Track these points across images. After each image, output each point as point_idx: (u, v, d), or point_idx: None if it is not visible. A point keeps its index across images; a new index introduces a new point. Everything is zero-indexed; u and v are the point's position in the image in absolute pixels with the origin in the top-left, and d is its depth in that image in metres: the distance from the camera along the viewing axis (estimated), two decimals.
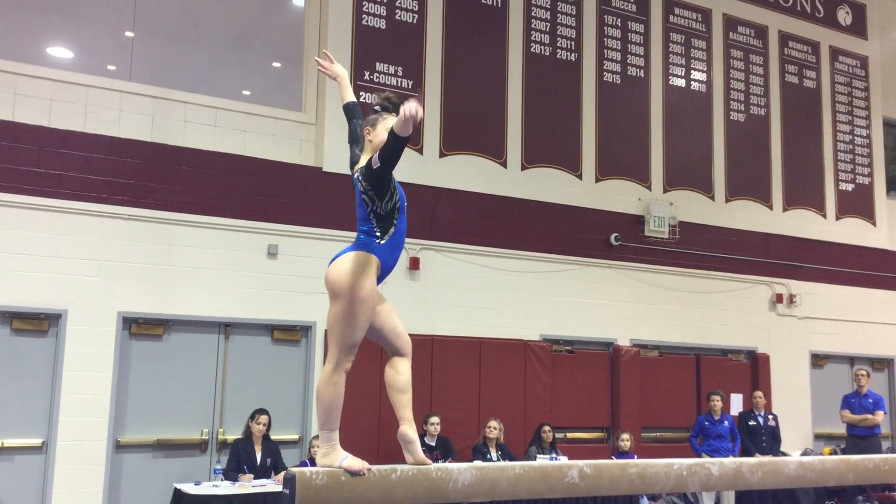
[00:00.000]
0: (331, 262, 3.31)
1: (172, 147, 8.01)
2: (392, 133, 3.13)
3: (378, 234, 3.32)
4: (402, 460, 3.35)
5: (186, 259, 7.92)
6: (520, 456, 8.51)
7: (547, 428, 8.70)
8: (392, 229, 3.34)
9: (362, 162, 3.42)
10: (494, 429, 8.35)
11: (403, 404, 3.36)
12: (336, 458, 3.14)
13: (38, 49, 8.07)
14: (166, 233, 7.86)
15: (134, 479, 7.60)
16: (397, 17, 9.11)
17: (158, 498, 7.43)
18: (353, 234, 3.41)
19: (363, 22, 8.90)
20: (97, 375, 7.43)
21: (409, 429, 3.32)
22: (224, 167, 8.20)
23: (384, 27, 9.02)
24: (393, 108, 3.45)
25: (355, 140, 3.58)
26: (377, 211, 3.31)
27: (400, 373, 3.41)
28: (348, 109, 3.68)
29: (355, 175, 3.41)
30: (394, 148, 3.14)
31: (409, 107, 3.01)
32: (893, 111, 12.92)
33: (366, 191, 3.29)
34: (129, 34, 8.41)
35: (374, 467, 3.18)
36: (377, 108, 3.51)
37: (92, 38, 8.41)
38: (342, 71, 3.77)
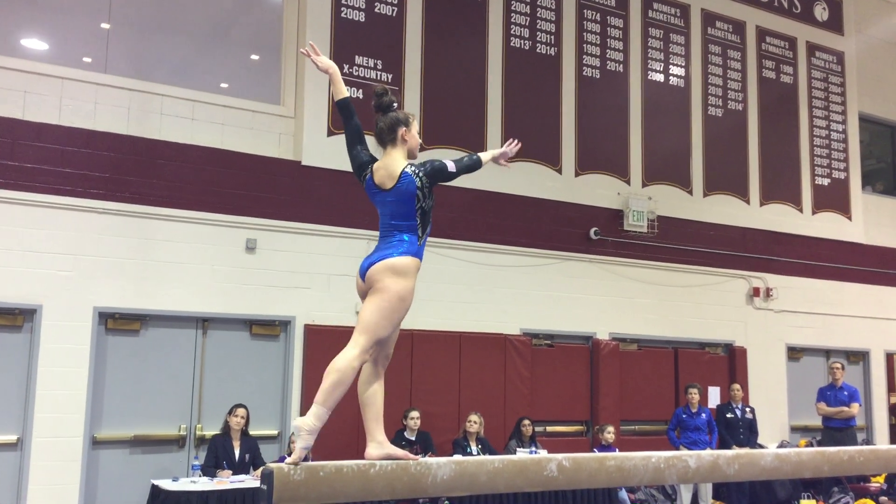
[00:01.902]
0: (375, 261, 3.37)
1: (149, 140, 7.94)
2: (479, 161, 3.62)
3: (420, 231, 3.46)
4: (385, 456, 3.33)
5: (163, 253, 7.85)
6: (500, 450, 8.53)
7: (527, 422, 8.73)
8: (428, 227, 3.52)
9: (398, 157, 3.51)
10: (475, 423, 8.37)
11: (370, 418, 3.42)
12: (308, 438, 3.13)
13: (12, 40, 7.95)
14: (143, 227, 7.79)
15: (111, 475, 7.53)
16: (377, 9, 9.07)
17: (136, 494, 7.37)
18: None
19: (342, 14, 8.85)
20: (73, 371, 7.35)
21: (374, 450, 3.33)
22: (201, 161, 8.13)
23: (363, 20, 8.98)
24: (387, 108, 3.62)
25: (359, 140, 3.62)
26: (424, 208, 3.46)
27: (368, 383, 3.46)
28: (344, 106, 3.65)
29: (374, 173, 3.50)
30: (471, 168, 3.60)
31: (509, 152, 3.85)
32: (869, 106, 13.05)
33: (423, 186, 3.43)
34: (105, 26, 8.31)
35: (354, 462, 3.17)
36: (384, 103, 3.62)
37: (67, 30, 8.30)
38: (332, 64, 3.77)
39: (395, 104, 3.64)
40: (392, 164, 3.50)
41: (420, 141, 3.67)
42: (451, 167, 3.50)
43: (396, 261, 3.37)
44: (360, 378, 3.45)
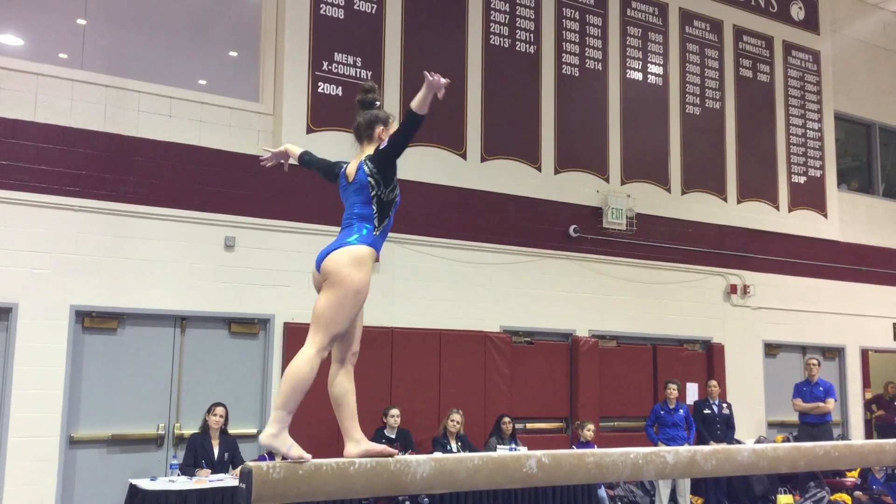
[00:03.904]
0: (329, 251, 3.33)
1: (126, 137, 7.87)
2: (410, 113, 3.25)
3: (376, 221, 3.40)
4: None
5: (141, 251, 7.79)
6: (480, 447, 8.55)
7: (507, 419, 8.75)
8: (387, 221, 3.46)
9: (369, 152, 3.49)
10: (456, 423, 8.36)
11: (344, 417, 3.37)
12: (284, 442, 3.13)
13: None
14: (120, 224, 7.72)
15: (88, 475, 7.47)
16: (356, 6, 9.05)
17: (113, 494, 7.32)
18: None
19: (321, 11, 8.82)
20: (49, 370, 7.28)
21: (352, 448, 3.30)
22: (179, 158, 8.08)
23: (342, 17, 8.94)
24: (369, 104, 3.60)
25: (331, 168, 3.66)
26: (381, 196, 3.41)
27: (338, 384, 3.41)
28: (306, 162, 3.81)
29: (348, 166, 3.51)
30: (411, 126, 3.28)
31: (435, 80, 3.19)
32: (844, 105, 13.19)
33: (372, 173, 3.39)
34: (82, 21, 8.22)
35: (333, 460, 3.16)
36: (368, 100, 3.60)
37: (43, 25, 8.21)
38: (283, 149, 3.92)
39: (378, 104, 3.65)
40: (361, 156, 3.52)
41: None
42: (385, 143, 3.40)
43: (351, 249, 3.32)
44: (329, 379, 3.41)
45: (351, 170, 3.50)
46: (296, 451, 3.10)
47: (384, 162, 3.39)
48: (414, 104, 3.26)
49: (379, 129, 3.55)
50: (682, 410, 9.52)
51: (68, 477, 7.34)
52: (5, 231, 7.24)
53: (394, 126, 3.56)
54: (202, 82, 8.81)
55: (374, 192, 3.40)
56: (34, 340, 7.25)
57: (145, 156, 7.92)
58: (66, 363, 7.37)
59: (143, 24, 8.63)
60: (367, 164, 3.42)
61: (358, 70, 8.95)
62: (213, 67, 9.10)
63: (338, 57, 8.84)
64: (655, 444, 9.14)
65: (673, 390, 9.49)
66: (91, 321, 7.61)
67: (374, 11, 9.16)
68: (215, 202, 8.17)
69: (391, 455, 3.26)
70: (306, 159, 3.82)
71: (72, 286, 7.46)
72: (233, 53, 9.40)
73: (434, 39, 9.55)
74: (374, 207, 3.41)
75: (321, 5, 8.80)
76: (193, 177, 8.11)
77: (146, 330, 7.88)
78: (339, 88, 8.76)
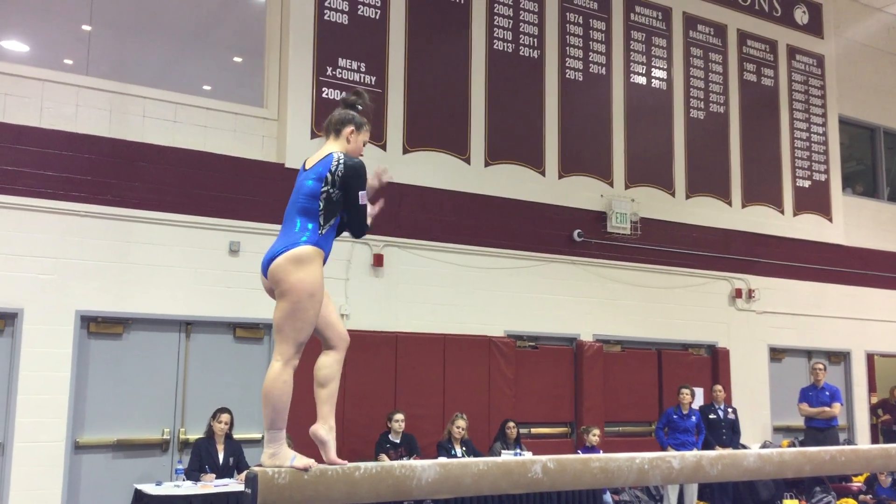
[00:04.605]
0: (273, 256, 3.23)
1: (131, 143, 7.89)
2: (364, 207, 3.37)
3: (321, 219, 3.27)
4: (368, 458, 3.33)
5: (146, 256, 7.81)
6: (484, 452, 8.54)
7: (511, 424, 8.74)
8: (333, 220, 3.32)
9: (335, 148, 3.40)
10: (461, 428, 8.34)
11: (322, 399, 3.26)
12: (285, 457, 3.11)
13: None
14: (125, 230, 7.74)
15: (93, 480, 7.47)
16: (360, 12, 9.07)
17: (118, 499, 7.32)
18: None
19: (325, 17, 8.84)
20: (55, 375, 7.29)
21: (319, 428, 3.23)
22: (184, 163, 8.10)
23: (346, 22, 8.97)
24: (350, 105, 3.53)
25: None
26: (331, 195, 3.29)
27: (322, 367, 3.31)
28: None
29: (311, 166, 3.38)
30: (359, 218, 3.39)
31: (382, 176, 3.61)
32: (849, 109, 13.17)
33: (335, 171, 3.28)
34: (87, 27, 8.25)
35: (337, 465, 3.16)
36: (351, 101, 3.54)
37: (48, 32, 8.24)
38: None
39: (360, 108, 3.55)
40: (325, 149, 3.41)
41: (363, 153, 3.50)
42: (363, 198, 3.35)
43: (296, 252, 3.19)
44: (317, 363, 3.32)
45: (312, 159, 3.38)
46: (299, 461, 3.09)
47: (351, 176, 3.30)
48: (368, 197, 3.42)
49: (349, 129, 3.45)
50: (694, 417, 9.48)
51: (73, 482, 7.35)
52: (11, 236, 7.26)
53: (364, 134, 3.48)
54: (207, 88, 8.83)
55: (326, 188, 3.27)
56: (40, 345, 7.26)
57: (150, 161, 7.94)
58: (71, 368, 7.38)
59: (148, 30, 8.66)
60: (339, 163, 3.30)
61: (362, 75, 8.96)
62: (217, 73, 9.12)
63: (342, 62, 8.86)
64: (665, 448, 9.13)
65: (686, 395, 9.45)
66: (96, 326, 7.63)
67: (377, 17, 9.17)
68: (220, 207, 8.18)
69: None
70: None
71: (77, 291, 7.48)
72: (237, 59, 9.42)
73: (438, 44, 9.56)
74: (321, 203, 3.27)
75: (325, 11, 8.83)
76: (198, 182, 8.13)
77: (151, 335, 7.90)
78: (344, 94, 8.77)
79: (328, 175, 3.28)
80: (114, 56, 8.33)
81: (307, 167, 3.39)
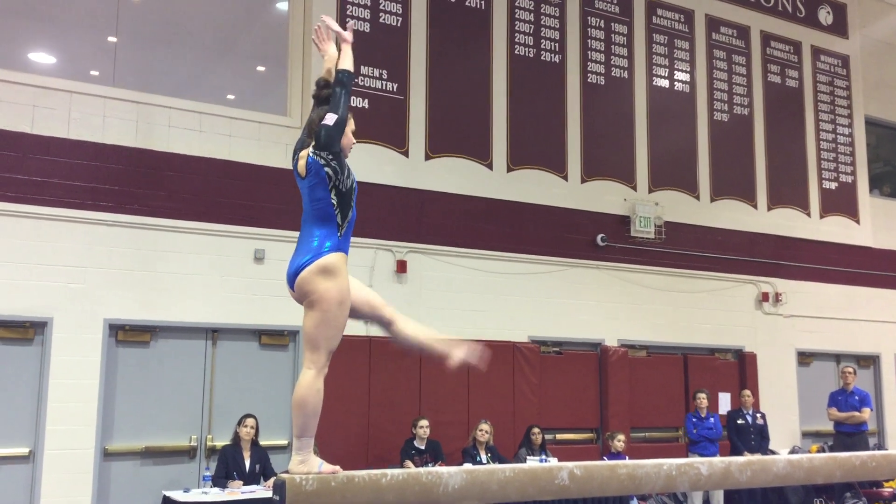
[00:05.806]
0: (298, 269, 3.24)
1: (157, 153, 7.97)
2: (347, 73, 3.34)
3: (338, 218, 3.28)
4: (394, 464, 3.34)
5: (172, 265, 7.88)
6: (509, 458, 8.51)
7: (536, 430, 8.71)
8: (350, 213, 3.33)
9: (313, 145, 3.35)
10: (486, 432, 8.34)
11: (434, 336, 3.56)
12: (314, 465, 3.12)
13: (20, 55, 8.02)
14: (152, 239, 7.82)
15: (122, 486, 7.54)
16: (381, 19, 9.11)
17: None
18: None
19: (347, 25, 8.86)
20: (84, 383, 7.38)
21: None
22: (209, 172, 8.17)
23: (368, 30, 9.01)
24: (324, 101, 3.43)
25: (309, 125, 3.45)
26: (339, 187, 3.28)
27: (414, 327, 3.51)
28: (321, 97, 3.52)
29: (300, 159, 3.35)
30: (349, 87, 3.34)
31: (348, 34, 3.53)
32: (875, 109, 13.02)
33: (328, 162, 3.26)
34: (112, 39, 8.36)
35: (365, 472, 3.17)
36: (323, 96, 3.47)
37: (74, 44, 8.36)
38: (333, 53, 3.63)
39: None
40: (308, 152, 3.36)
41: (354, 142, 3.42)
42: (327, 118, 3.25)
43: (321, 263, 3.21)
44: (407, 330, 3.49)
45: (302, 165, 3.34)
46: (326, 468, 3.11)
47: (331, 138, 3.24)
48: (346, 65, 3.37)
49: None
50: (712, 419, 9.43)
51: (103, 489, 7.42)
52: (40, 246, 7.36)
53: (350, 123, 3.39)
54: (231, 97, 8.91)
55: (331, 184, 3.26)
56: (69, 354, 7.35)
57: (176, 170, 8.02)
58: (100, 376, 7.46)
59: (173, 41, 8.76)
60: (318, 156, 3.26)
61: (384, 83, 9.00)
62: (241, 82, 9.20)
63: (364, 70, 8.90)
64: (697, 441, 9.30)
65: (702, 399, 9.40)
66: (124, 334, 7.70)
67: (399, 24, 9.21)
68: (245, 215, 8.24)
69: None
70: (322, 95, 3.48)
71: (105, 300, 7.56)
72: (260, 68, 9.50)
73: (459, 50, 9.57)
74: (335, 201, 3.27)
75: (347, 19, 8.87)
76: (223, 190, 8.20)
77: (178, 342, 7.96)
78: (366, 101, 8.82)
79: (327, 171, 3.27)
80: (139, 67, 8.43)
81: (302, 175, 3.34)
